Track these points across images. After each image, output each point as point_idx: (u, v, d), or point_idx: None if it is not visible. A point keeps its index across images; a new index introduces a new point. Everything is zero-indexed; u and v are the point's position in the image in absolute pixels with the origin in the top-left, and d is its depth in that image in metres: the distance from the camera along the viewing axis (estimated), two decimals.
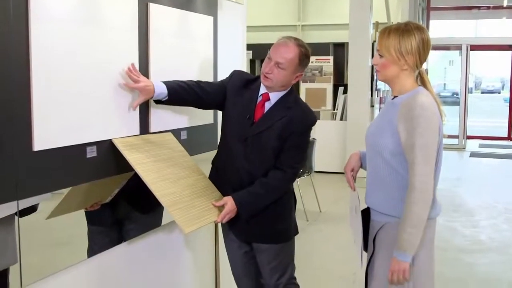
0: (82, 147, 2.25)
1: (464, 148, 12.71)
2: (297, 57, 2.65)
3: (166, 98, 2.58)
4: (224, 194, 2.73)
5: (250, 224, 2.74)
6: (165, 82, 2.58)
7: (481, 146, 13.22)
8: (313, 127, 2.79)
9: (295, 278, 2.96)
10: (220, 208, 2.64)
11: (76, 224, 2.40)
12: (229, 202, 2.63)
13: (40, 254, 2.19)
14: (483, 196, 7.80)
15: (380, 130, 2.37)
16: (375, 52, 2.42)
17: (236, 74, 2.85)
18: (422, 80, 2.40)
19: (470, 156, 11.78)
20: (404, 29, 2.31)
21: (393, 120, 2.30)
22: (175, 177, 2.56)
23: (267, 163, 2.70)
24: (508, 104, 14.38)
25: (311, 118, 2.77)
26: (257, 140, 2.69)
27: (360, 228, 2.51)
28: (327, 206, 6.87)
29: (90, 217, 2.55)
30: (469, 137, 13.37)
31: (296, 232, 2.93)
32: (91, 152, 2.29)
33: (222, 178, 2.80)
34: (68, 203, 2.31)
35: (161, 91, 2.55)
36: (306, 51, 2.69)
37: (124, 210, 2.78)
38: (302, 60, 2.68)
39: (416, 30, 2.31)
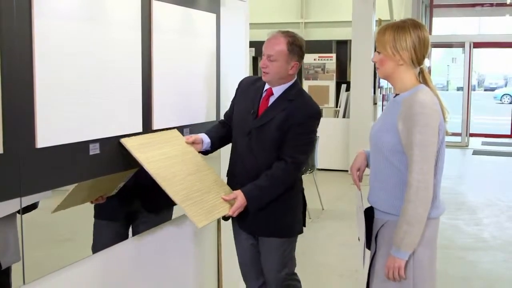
0: (85, 144, 2.25)
1: (467, 146, 12.68)
2: (284, 46, 2.72)
3: (209, 147, 2.88)
4: (234, 187, 2.76)
5: (254, 217, 2.76)
6: (207, 134, 2.89)
7: (484, 143, 13.19)
8: (317, 120, 2.82)
9: (295, 274, 2.99)
10: (230, 201, 2.67)
11: (79, 220, 2.40)
12: (239, 196, 2.66)
13: (42, 251, 2.19)
14: (486, 194, 7.78)
15: (383, 129, 2.37)
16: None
17: (243, 79, 3.03)
18: (423, 77, 2.39)
19: (473, 154, 11.75)
20: (399, 26, 2.33)
21: (394, 118, 2.31)
22: (184, 173, 2.60)
23: (270, 155, 2.74)
24: (500, 102, 14.34)
25: (312, 109, 2.80)
26: (260, 132, 2.76)
27: (363, 227, 2.52)
28: (329, 204, 6.86)
29: (99, 211, 2.57)
30: (471, 135, 13.36)
31: (300, 231, 2.94)
32: (94, 149, 2.30)
33: (232, 172, 2.90)
34: (74, 196, 2.32)
35: (206, 142, 2.87)
36: (293, 40, 2.75)
37: (134, 206, 2.81)
38: (292, 49, 2.73)
39: (412, 27, 2.32)
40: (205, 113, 3.09)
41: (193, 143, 2.80)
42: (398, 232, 2.26)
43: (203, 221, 2.46)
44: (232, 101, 3.01)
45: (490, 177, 9.26)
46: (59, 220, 2.25)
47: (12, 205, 1.98)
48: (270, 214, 2.78)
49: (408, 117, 2.23)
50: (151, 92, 2.64)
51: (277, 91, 2.80)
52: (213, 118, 3.17)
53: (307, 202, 3.02)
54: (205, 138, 2.86)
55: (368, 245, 2.52)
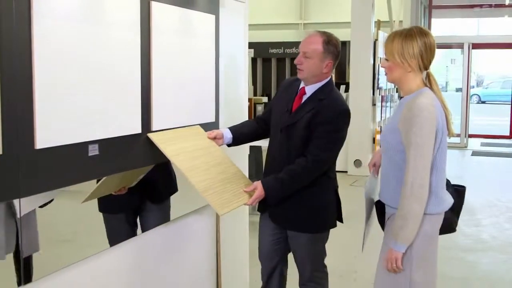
0: (84, 145, 2.25)
1: (465, 147, 12.69)
2: (320, 45, 2.83)
3: (231, 142, 3.02)
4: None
5: (283, 209, 2.93)
6: (231, 129, 3.04)
7: (482, 144, 13.20)
8: (345, 119, 2.91)
9: (324, 266, 3.13)
10: (250, 192, 2.81)
11: (79, 220, 2.40)
12: (258, 187, 2.80)
13: (42, 251, 2.19)
14: (485, 194, 7.78)
15: (389, 129, 2.55)
16: (383, 56, 2.57)
17: (286, 79, 3.21)
18: (429, 80, 2.52)
19: (472, 155, 11.76)
20: (406, 34, 2.46)
21: (397, 119, 2.45)
22: (207, 166, 2.76)
23: (299, 152, 2.85)
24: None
25: (339, 107, 2.89)
26: (291, 130, 2.89)
27: (369, 210, 2.76)
28: None
29: (106, 204, 2.64)
30: (470, 136, 13.35)
31: (332, 225, 3.05)
32: (93, 150, 2.29)
33: (266, 167, 3.06)
34: (103, 187, 2.43)
35: (227, 137, 3.01)
36: (329, 39, 2.86)
37: (140, 198, 2.91)
38: (327, 48, 2.84)
39: (419, 35, 2.45)
40: (204, 114, 3.09)
41: (214, 138, 2.95)
42: (395, 226, 2.42)
43: (224, 208, 2.61)
44: (272, 99, 3.17)
45: (489, 178, 9.27)
46: (59, 220, 2.25)
47: (34, 201, 2.04)
48: (301, 209, 2.91)
49: (408, 118, 2.38)
50: (150, 93, 2.64)
51: (310, 90, 2.91)
52: (212, 119, 3.17)
53: None
54: (226, 134, 3.01)
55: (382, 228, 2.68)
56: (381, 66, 2.61)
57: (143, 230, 2.80)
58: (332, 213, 3.03)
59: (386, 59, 2.51)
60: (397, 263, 2.42)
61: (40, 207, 2.13)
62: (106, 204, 2.61)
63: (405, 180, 2.37)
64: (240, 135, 3.07)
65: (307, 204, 2.91)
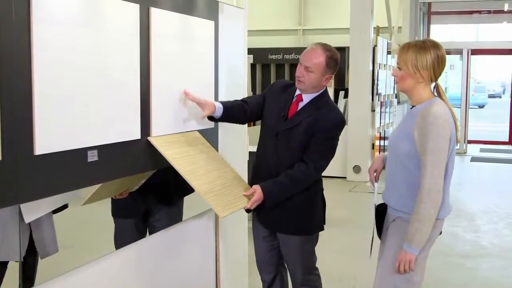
0: (83, 151, 2.25)
1: (465, 153, 12.69)
2: (323, 61, 2.90)
3: (221, 115, 2.92)
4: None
5: (274, 214, 2.97)
6: (223, 106, 2.93)
7: (482, 150, 13.19)
8: (341, 129, 3.00)
9: (316, 269, 3.18)
10: (249, 195, 2.87)
11: (79, 227, 2.41)
12: (257, 191, 2.87)
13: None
14: (484, 200, 7.78)
15: (400, 136, 2.62)
16: (395, 65, 2.67)
17: (277, 82, 3.22)
18: (438, 91, 2.63)
19: (471, 161, 11.75)
20: (421, 46, 2.55)
21: (410, 127, 2.54)
22: (206, 170, 2.82)
23: (294, 157, 2.92)
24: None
25: (337, 117, 2.98)
26: (287, 135, 2.94)
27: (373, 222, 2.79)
28: (327, 211, 6.80)
29: (116, 209, 2.74)
30: (470, 142, 13.35)
31: (320, 229, 3.11)
32: (92, 156, 2.30)
33: (257, 170, 3.08)
34: (103, 191, 2.46)
35: (219, 106, 2.91)
36: (332, 55, 2.92)
37: (149, 202, 2.99)
38: (329, 63, 2.91)
39: (432, 48, 2.55)
40: (203, 120, 3.09)
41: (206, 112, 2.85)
42: (410, 229, 2.49)
43: (225, 211, 2.66)
44: (262, 96, 3.13)
45: (488, 184, 9.27)
46: (60, 227, 2.26)
47: (50, 204, 2.10)
48: (290, 212, 2.96)
49: (423, 126, 2.47)
50: (150, 99, 2.64)
51: (307, 98, 2.98)
52: (211, 125, 3.17)
53: None
54: (218, 111, 2.90)
55: (379, 235, 2.77)
56: (393, 75, 2.68)
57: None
58: (320, 216, 3.10)
59: (399, 68, 2.59)
60: (410, 265, 2.50)
61: (54, 212, 2.17)
62: (118, 209, 2.73)
63: (422, 186, 2.45)
64: (229, 117, 3.00)
65: (297, 207, 2.96)
